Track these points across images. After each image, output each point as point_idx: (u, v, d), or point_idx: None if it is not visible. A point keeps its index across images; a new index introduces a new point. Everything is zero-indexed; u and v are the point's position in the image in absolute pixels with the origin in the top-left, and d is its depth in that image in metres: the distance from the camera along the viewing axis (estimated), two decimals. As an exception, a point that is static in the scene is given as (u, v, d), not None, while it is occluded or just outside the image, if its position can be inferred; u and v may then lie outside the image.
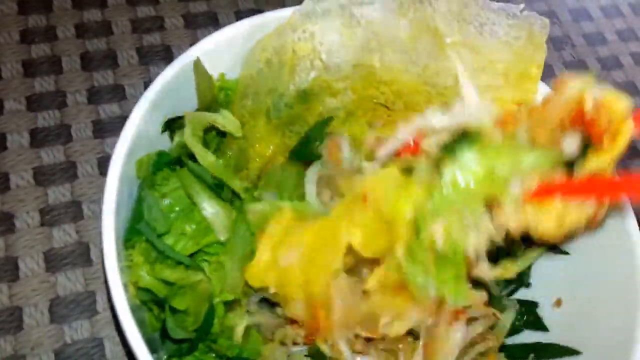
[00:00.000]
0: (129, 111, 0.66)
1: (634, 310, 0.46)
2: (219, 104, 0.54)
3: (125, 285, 0.41)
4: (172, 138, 0.52)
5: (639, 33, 0.93)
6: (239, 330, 0.46)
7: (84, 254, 0.59)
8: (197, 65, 0.50)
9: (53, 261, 0.58)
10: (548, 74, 0.85)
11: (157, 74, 0.70)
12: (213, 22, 0.76)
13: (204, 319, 0.45)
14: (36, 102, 0.66)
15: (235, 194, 0.48)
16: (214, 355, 0.46)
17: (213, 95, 0.53)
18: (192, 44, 0.73)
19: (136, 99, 0.68)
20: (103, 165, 0.64)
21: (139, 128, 0.47)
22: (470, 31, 0.50)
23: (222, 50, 0.53)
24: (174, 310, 0.45)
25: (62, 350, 0.54)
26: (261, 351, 0.47)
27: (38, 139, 0.64)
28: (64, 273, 0.57)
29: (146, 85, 0.70)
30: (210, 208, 0.47)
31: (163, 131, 0.51)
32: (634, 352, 0.44)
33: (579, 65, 0.87)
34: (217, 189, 0.48)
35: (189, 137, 0.48)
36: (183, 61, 0.51)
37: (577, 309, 0.53)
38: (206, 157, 0.47)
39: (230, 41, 0.53)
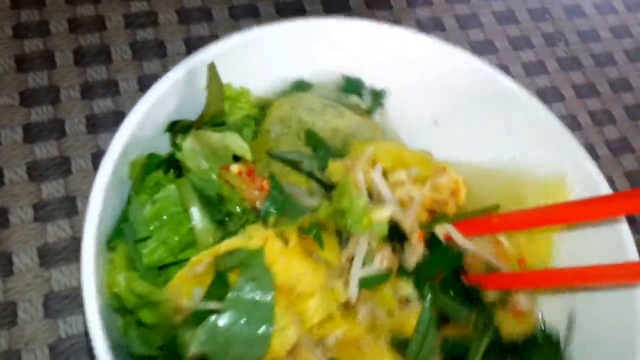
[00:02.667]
0: (123, 106, 0.67)
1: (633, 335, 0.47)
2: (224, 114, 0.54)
3: (99, 287, 0.41)
4: (173, 140, 0.52)
5: (633, 30, 0.94)
6: (192, 350, 0.42)
7: (78, 250, 0.57)
8: (212, 69, 0.50)
9: (47, 256, 0.58)
10: (541, 71, 0.86)
11: (151, 69, 0.71)
12: (207, 18, 0.76)
13: (170, 341, 0.43)
14: (29, 97, 0.66)
15: (229, 216, 0.48)
16: None
17: (222, 103, 0.52)
18: (185, 39, 0.74)
19: (130, 94, 0.69)
20: (97, 160, 0.64)
21: (136, 129, 0.47)
22: None
23: (230, 58, 0.53)
24: (142, 323, 0.44)
25: (57, 345, 0.54)
26: None
27: (31, 134, 0.64)
28: (58, 268, 0.57)
29: (139, 81, 0.70)
30: (200, 223, 0.47)
31: (166, 131, 0.51)
32: None
33: (572, 62, 0.87)
34: (217, 204, 0.47)
35: (187, 150, 0.48)
36: (188, 65, 0.51)
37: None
38: (201, 172, 0.48)
39: (234, 50, 0.53)
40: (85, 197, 0.61)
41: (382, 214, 0.46)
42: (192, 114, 0.52)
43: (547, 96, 0.83)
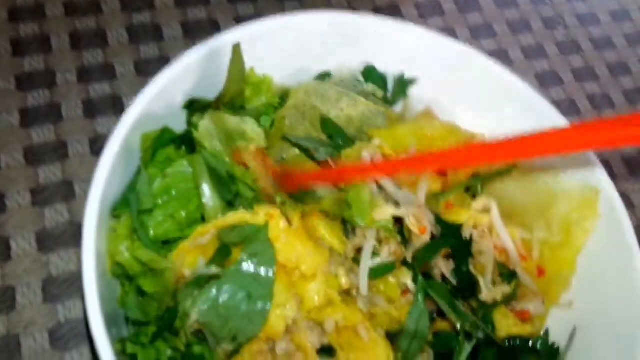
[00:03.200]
0: (120, 91, 0.67)
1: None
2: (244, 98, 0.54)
3: (100, 253, 0.41)
4: (189, 118, 0.52)
5: (633, 14, 0.93)
6: (193, 317, 0.43)
7: (77, 234, 0.58)
8: (236, 50, 0.50)
9: (45, 241, 0.58)
10: (540, 55, 0.86)
11: (148, 53, 0.70)
12: (204, 1, 0.75)
13: (168, 311, 0.44)
14: (26, 81, 0.65)
15: (238, 197, 0.48)
16: (168, 346, 0.45)
17: (242, 85, 0.52)
18: (182, 23, 0.73)
19: (127, 78, 0.68)
20: (94, 145, 0.63)
21: (151, 101, 0.47)
22: None
23: (255, 43, 0.53)
24: (142, 292, 0.45)
25: (56, 330, 0.54)
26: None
27: (28, 118, 0.63)
28: (57, 253, 0.57)
29: (136, 65, 0.69)
30: (210, 200, 0.47)
31: (184, 108, 0.51)
32: None
33: (571, 45, 0.87)
34: (228, 183, 0.48)
35: (204, 130, 0.48)
36: (211, 45, 0.50)
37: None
38: (215, 151, 0.48)
39: (260, 36, 0.53)
40: (83, 181, 0.61)
41: (384, 214, 0.47)
42: (210, 95, 0.52)
43: (546, 80, 0.82)
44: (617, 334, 0.49)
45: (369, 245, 0.46)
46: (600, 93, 0.84)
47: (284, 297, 0.43)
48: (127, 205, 0.46)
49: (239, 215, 0.45)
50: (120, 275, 0.45)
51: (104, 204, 0.44)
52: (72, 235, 0.58)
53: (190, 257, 0.44)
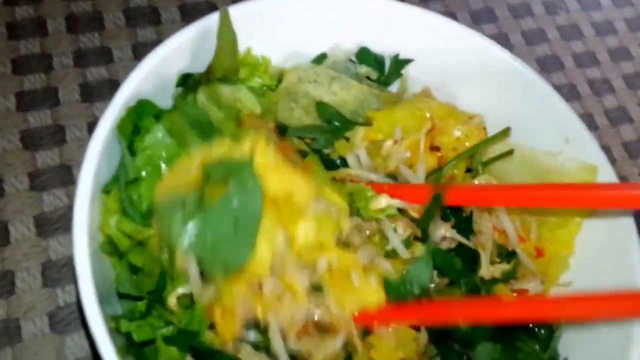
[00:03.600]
0: (117, 75, 0.66)
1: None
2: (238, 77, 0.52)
3: (93, 231, 0.41)
4: (184, 96, 0.50)
5: (634, -2, 0.93)
6: (182, 248, 0.42)
7: None
8: (224, 16, 0.47)
9: (44, 225, 0.57)
10: (542, 38, 0.85)
11: (145, 37, 0.70)
12: (202, -17, 0.74)
13: (157, 281, 0.43)
14: (22, 65, 0.65)
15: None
16: (164, 322, 0.44)
17: (235, 59, 0.50)
18: (179, 5, 0.73)
19: (124, 62, 0.67)
20: (92, 129, 0.62)
21: (142, 82, 0.47)
22: None
23: (250, 22, 0.52)
24: (135, 270, 0.44)
25: (56, 314, 0.54)
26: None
27: (24, 102, 0.63)
28: (56, 237, 0.57)
29: (134, 48, 0.68)
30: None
31: (177, 85, 0.50)
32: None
33: (572, 30, 0.86)
34: (215, 131, 0.46)
35: (203, 101, 0.47)
36: (201, 24, 0.49)
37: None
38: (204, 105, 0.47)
39: (254, 16, 0.53)
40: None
41: (379, 204, 0.47)
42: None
43: (547, 65, 0.82)
44: None
45: (387, 226, 0.47)
46: (600, 78, 0.83)
47: (272, 230, 0.42)
48: (117, 181, 0.45)
49: (223, 145, 0.43)
50: (112, 252, 0.45)
51: (96, 183, 0.43)
52: (71, 219, 0.58)
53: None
